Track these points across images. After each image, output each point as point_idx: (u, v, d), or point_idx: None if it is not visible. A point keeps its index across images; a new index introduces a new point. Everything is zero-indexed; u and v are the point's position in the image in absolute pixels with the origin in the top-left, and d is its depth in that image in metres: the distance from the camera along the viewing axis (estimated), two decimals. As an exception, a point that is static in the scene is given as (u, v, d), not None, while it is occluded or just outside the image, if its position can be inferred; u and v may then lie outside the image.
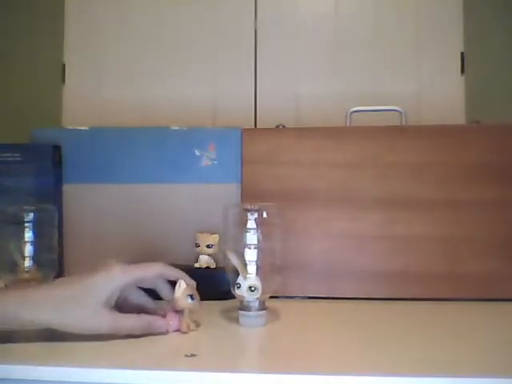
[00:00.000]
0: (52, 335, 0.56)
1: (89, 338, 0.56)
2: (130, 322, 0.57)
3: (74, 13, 1.64)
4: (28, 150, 0.87)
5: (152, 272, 0.61)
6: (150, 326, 0.58)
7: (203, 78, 1.60)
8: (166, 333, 0.59)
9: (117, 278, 0.57)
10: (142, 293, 0.64)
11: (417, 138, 0.84)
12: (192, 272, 0.64)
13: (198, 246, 0.79)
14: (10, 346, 0.54)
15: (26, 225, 0.73)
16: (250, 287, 0.63)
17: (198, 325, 0.62)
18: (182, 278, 0.61)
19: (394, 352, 0.55)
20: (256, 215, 0.65)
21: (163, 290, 0.63)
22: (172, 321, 0.60)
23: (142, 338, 0.58)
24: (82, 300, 0.55)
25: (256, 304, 0.63)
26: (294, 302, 0.81)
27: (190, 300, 0.60)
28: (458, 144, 0.83)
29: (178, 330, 0.60)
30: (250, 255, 0.64)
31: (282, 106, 1.55)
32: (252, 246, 0.64)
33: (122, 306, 0.59)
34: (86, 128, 0.92)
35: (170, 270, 0.61)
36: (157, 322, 0.59)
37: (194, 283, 0.62)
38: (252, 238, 0.65)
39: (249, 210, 0.65)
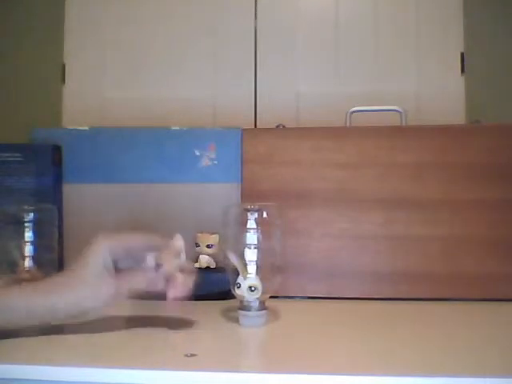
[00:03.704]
0: (51, 333, 0.56)
1: (88, 337, 0.56)
2: (128, 278, 0.58)
3: (74, 13, 1.64)
4: (28, 150, 0.87)
5: (138, 240, 0.60)
6: (145, 279, 0.58)
7: (203, 78, 1.60)
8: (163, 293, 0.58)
9: (103, 244, 0.58)
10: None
11: (417, 137, 0.84)
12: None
13: (197, 245, 0.79)
14: (10, 345, 0.54)
15: (26, 225, 0.73)
16: (250, 287, 0.63)
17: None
18: (168, 247, 0.60)
19: (394, 352, 0.55)
20: (256, 215, 0.65)
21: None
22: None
23: (141, 338, 0.58)
24: (82, 277, 0.57)
25: (256, 304, 0.63)
26: (293, 301, 0.81)
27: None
28: (458, 144, 0.83)
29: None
30: (250, 255, 0.64)
31: (281, 105, 1.55)
32: (252, 246, 0.64)
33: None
34: (86, 128, 0.92)
35: (156, 239, 0.60)
36: (150, 274, 0.59)
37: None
38: (252, 237, 0.65)
39: (249, 210, 0.65)
